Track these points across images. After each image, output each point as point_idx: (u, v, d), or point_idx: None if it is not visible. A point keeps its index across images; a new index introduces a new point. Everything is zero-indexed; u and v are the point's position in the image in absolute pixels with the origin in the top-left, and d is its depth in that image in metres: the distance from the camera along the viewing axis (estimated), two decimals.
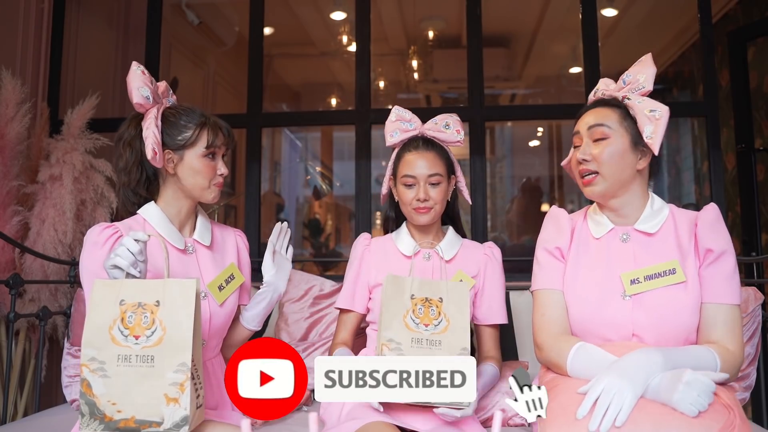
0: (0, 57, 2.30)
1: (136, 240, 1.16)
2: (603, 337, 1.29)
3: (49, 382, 2.39)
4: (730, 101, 3.40)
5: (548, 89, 5.35)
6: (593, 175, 1.32)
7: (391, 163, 1.62)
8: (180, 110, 1.40)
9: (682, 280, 1.26)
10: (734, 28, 3.41)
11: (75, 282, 2.12)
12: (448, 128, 1.55)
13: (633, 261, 1.31)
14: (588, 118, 1.35)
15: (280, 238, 1.49)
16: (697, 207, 1.40)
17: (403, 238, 1.60)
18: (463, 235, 1.66)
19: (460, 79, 3.16)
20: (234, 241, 1.53)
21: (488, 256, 1.59)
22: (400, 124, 1.57)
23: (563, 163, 1.48)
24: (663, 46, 4.34)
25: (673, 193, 4.96)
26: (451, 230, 1.63)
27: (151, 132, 1.33)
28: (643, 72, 1.36)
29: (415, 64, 4.87)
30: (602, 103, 1.37)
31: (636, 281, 1.28)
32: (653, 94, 1.38)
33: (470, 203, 1.74)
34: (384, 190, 1.67)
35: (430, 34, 4.45)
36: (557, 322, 1.33)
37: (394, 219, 1.68)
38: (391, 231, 1.67)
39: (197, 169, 1.37)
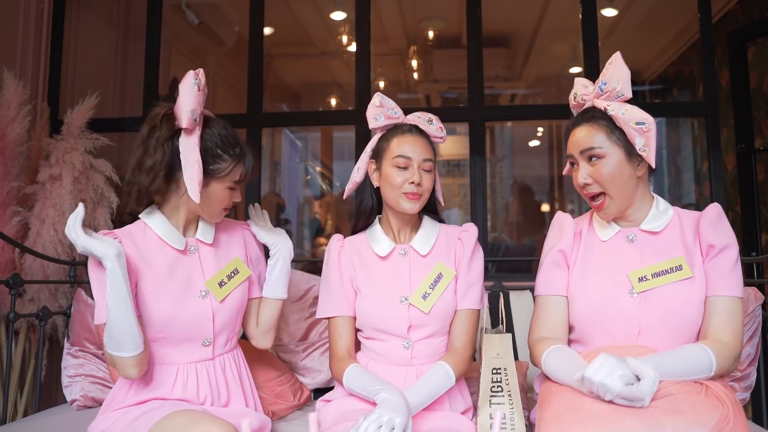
0: (0, 57, 2.30)
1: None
2: (610, 335, 1.30)
3: (49, 382, 2.38)
4: (730, 101, 3.39)
5: (548, 89, 5.34)
6: (602, 198, 1.32)
7: (373, 146, 1.53)
8: (218, 134, 1.35)
9: (689, 276, 1.29)
10: (734, 28, 3.40)
11: (75, 282, 2.12)
12: (432, 124, 1.51)
13: (639, 260, 1.32)
14: (577, 140, 1.34)
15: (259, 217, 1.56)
16: (698, 207, 1.41)
17: (377, 236, 1.51)
18: (441, 221, 1.58)
19: (460, 79, 3.16)
20: (241, 236, 1.51)
21: (461, 241, 1.51)
22: (384, 110, 1.50)
23: (565, 171, 1.46)
24: (663, 46, 4.33)
25: (673, 193, 4.95)
26: (426, 219, 1.54)
27: (195, 162, 1.27)
28: (617, 77, 1.32)
29: (415, 64, 4.86)
30: (586, 118, 1.34)
31: (644, 278, 1.30)
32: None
33: (442, 204, 1.62)
34: (359, 177, 1.55)
35: (430, 34, 4.45)
36: (546, 325, 1.37)
37: (371, 209, 1.54)
38: (365, 224, 1.56)
39: (218, 199, 1.36)
